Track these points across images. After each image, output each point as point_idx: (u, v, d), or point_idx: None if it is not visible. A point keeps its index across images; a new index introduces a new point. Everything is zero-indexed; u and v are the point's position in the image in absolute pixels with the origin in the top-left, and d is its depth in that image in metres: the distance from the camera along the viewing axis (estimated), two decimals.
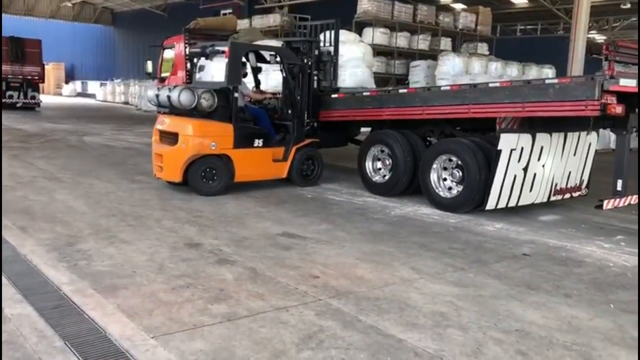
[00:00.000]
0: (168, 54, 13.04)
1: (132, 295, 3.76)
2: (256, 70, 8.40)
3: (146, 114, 21.09)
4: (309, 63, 8.07)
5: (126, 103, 28.50)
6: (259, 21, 22.28)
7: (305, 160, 8.07)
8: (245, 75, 8.02)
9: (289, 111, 8.01)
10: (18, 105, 22.23)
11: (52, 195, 6.86)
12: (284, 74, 7.91)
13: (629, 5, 22.49)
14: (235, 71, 7.40)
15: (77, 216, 5.88)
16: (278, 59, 7.86)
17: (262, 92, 8.64)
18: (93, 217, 5.89)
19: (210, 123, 7.30)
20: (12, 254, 4.56)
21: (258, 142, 7.72)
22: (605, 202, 5.83)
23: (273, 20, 22.17)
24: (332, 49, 8.53)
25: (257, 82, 8.60)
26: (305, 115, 8.03)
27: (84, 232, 5.26)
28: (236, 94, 7.35)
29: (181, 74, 12.22)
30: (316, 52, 8.17)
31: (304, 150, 8.03)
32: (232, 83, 7.33)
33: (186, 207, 6.51)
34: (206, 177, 7.24)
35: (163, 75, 13.16)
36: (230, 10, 23.62)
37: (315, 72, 8.25)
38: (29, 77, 22.20)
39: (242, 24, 19.63)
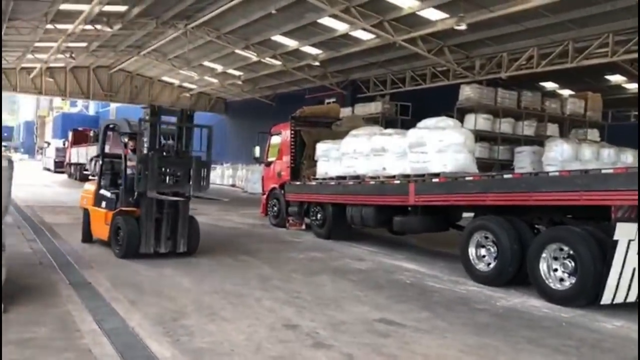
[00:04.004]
0: (275, 140, 13.72)
1: None
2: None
3: (252, 196, 21.98)
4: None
5: (233, 185, 29.93)
6: (361, 109, 23.07)
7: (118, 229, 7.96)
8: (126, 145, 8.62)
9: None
10: None
11: (161, 271, 7.20)
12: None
13: None
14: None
15: (183, 292, 6.11)
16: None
17: None
18: (197, 293, 6.09)
19: (91, 184, 9.40)
20: (121, 325, 4.79)
21: (103, 204, 8.53)
22: None
23: (375, 107, 22.89)
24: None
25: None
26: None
27: (188, 308, 5.43)
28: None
29: (286, 158, 12.78)
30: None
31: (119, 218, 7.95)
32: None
33: (285, 288, 6.57)
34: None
35: (269, 159, 13.80)
36: (334, 99, 24.67)
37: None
38: None
39: (345, 111, 20.37)
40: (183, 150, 8.11)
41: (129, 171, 8.26)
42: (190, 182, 7.97)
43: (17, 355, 3.90)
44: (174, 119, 8.35)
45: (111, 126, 9.40)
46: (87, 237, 9.02)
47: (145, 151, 7.74)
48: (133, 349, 4.20)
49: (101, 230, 8.50)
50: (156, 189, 7.65)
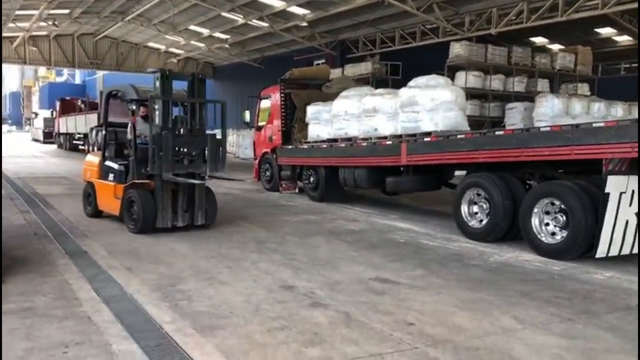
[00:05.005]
0: (264, 103, 13.61)
1: (229, 336, 3.83)
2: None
3: (244, 162, 21.95)
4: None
5: None
6: (351, 70, 22.84)
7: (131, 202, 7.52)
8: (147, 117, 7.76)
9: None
10: None
11: (156, 238, 7.22)
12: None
13: None
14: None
15: (179, 258, 6.15)
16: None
17: None
18: (194, 258, 6.13)
19: (94, 155, 9.14)
20: (119, 292, 4.82)
21: (110, 177, 8.16)
22: None
23: (365, 68, 22.66)
24: None
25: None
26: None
27: (185, 273, 5.48)
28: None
29: (277, 122, 12.70)
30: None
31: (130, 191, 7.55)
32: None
33: (281, 250, 6.62)
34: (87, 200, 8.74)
35: (260, 124, 13.72)
36: (323, 60, 24.36)
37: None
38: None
39: (335, 72, 20.16)
40: (197, 127, 7.67)
41: (138, 140, 7.82)
42: (206, 162, 7.57)
43: (18, 324, 3.93)
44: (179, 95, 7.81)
45: (114, 93, 8.60)
46: (95, 211, 8.54)
47: (158, 130, 7.20)
48: (133, 314, 4.25)
49: (110, 204, 8.10)
50: (172, 171, 7.22)
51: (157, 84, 7.37)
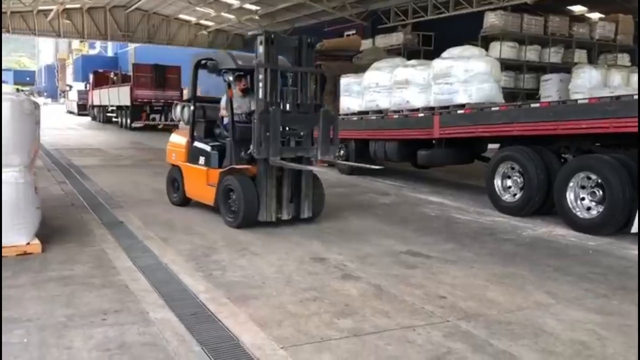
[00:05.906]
0: None
1: (262, 306, 3.90)
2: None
3: None
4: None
5: None
6: (382, 40, 22.50)
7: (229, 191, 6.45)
8: (246, 90, 7.04)
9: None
10: (159, 126, 24.44)
11: (190, 209, 7.33)
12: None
13: None
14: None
15: (212, 229, 6.24)
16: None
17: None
18: (226, 230, 6.21)
19: (179, 134, 7.79)
20: (155, 262, 4.93)
21: (201, 160, 7.02)
22: None
23: (396, 39, 22.29)
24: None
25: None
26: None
27: (218, 244, 5.57)
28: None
29: None
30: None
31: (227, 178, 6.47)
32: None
33: (311, 222, 6.63)
34: (173, 186, 7.61)
35: None
36: (354, 31, 24.04)
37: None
38: (170, 101, 24.18)
39: (366, 44, 19.89)
40: (308, 103, 6.48)
41: (236, 118, 6.77)
42: (315, 144, 6.49)
43: (58, 291, 4.07)
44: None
45: (204, 62, 7.04)
46: (182, 199, 7.44)
47: (264, 106, 6.02)
48: (168, 283, 4.35)
49: (202, 191, 7.02)
50: (280, 154, 6.09)
51: (261, 49, 6.11)
